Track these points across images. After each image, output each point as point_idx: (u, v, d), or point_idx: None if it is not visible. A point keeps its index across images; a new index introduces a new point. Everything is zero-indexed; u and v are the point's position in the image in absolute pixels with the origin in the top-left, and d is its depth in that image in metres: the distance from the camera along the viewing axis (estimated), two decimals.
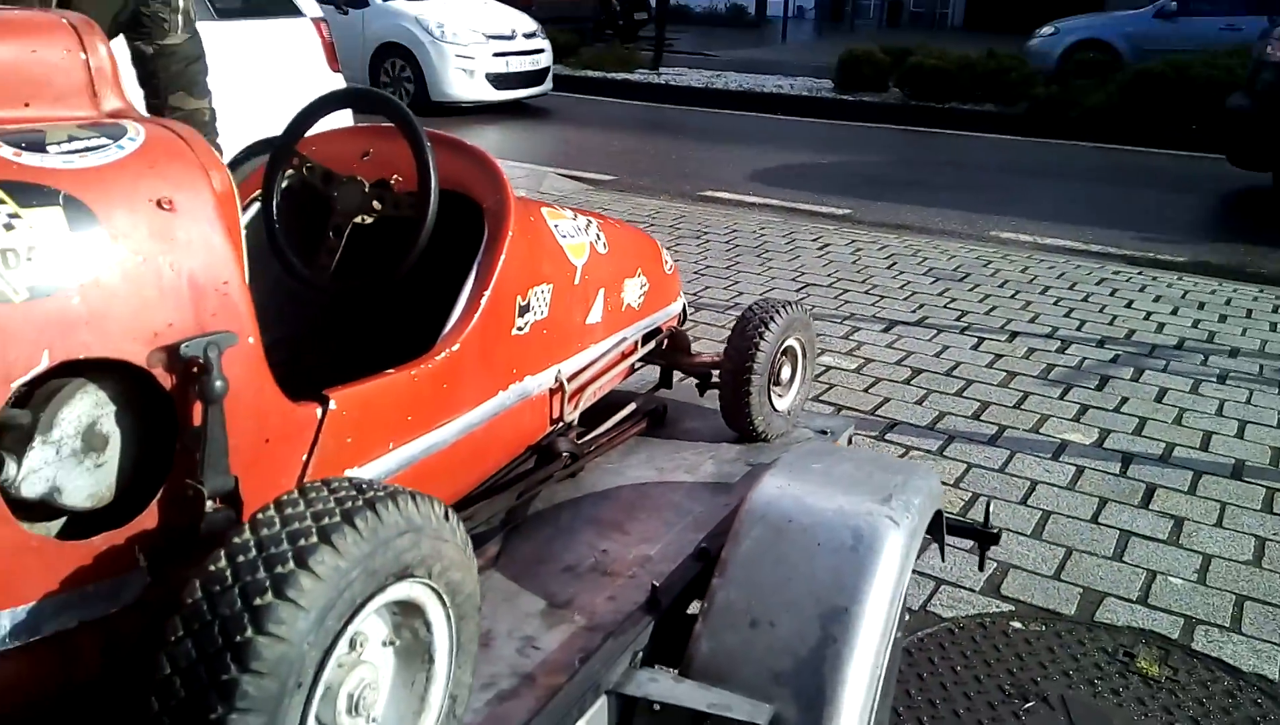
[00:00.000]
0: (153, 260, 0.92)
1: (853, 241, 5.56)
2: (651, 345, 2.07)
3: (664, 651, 1.38)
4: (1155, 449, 3.14)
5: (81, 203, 0.88)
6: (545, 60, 10.56)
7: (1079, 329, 4.24)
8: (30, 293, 0.83)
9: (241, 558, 0.81)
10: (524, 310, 1.55)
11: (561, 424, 1.72)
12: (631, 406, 2.03)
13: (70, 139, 0.92)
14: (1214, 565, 2.52)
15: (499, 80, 9.99)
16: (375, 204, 1.49)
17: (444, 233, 1.45)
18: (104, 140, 0.93)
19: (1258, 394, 3.59)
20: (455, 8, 10.28)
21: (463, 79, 9.77)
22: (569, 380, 1.70)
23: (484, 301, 1.43)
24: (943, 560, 1.92)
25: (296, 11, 4.74)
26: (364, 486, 0.90)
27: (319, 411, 1.12)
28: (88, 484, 0.93)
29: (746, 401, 1.96)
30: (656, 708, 1.25)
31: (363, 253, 1.53)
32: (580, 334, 1.76)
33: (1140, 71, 9.39)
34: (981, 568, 1.99)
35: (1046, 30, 12.46)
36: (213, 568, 0.81)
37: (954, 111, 10.23)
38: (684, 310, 2.33)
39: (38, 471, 0.88)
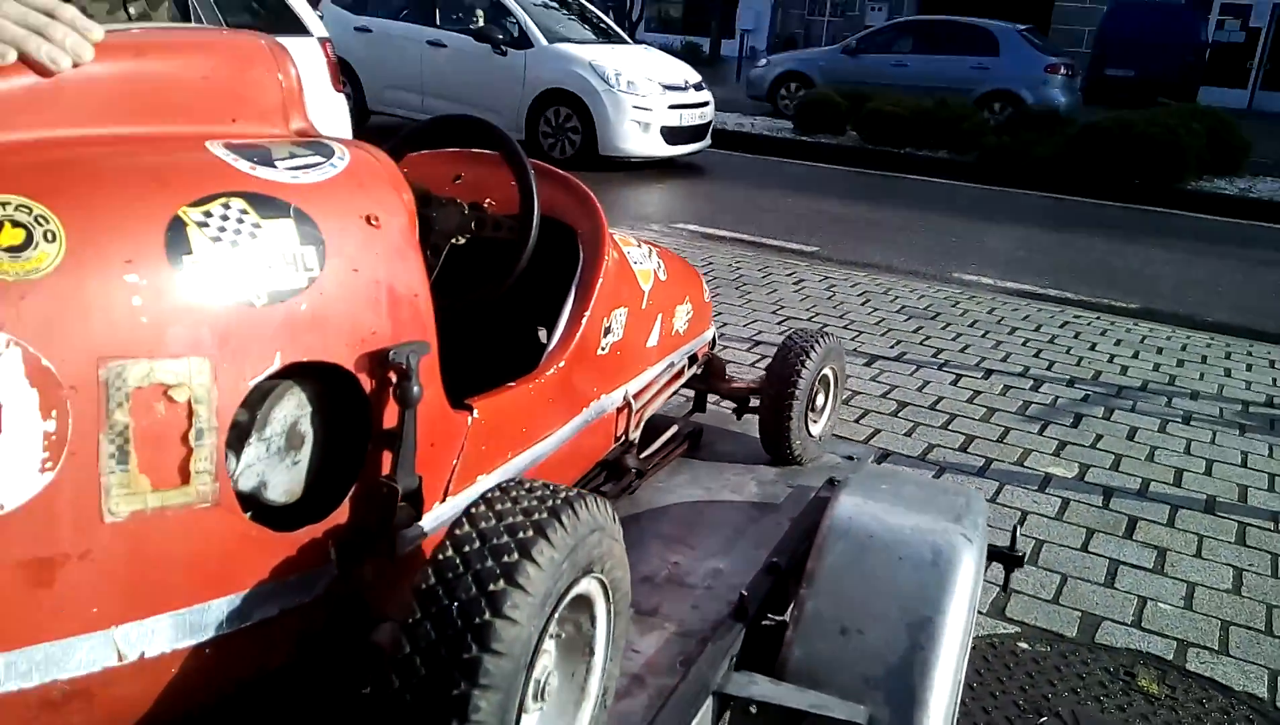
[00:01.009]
0: (363, 272, 0.99)
1: (825, 277, 5.73)
2: (695, 369, 2.16)
3: (748, 660, 1.46)
4: (1133, 484, 3.32)
5: (308, 216, 0.94)
6: (710, 113, 9.71)
7: (1049, 369, 4.44)
8: (269, 298, 0.89)
9: (468, 548, 0.88)
10: (607, 331, 1.63)
11: (625, 441, 1.80)
12: (675, 428, 2.12)
13: (291, 155, 0.98)
14: (1198, 593, 2.68)
15: (671, 134, 9.15)
16: (473, 225, 1.56)
17: (536, 256, 1.53)
18: (318, 158, 1.00)
19: (1220, 435, 3.81)
20: (626, 55, 9.49)
21: (637, 132, 8.88)
22: (634, 399, 1.78)
23: (584, 322, 1.50)
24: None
25: (304, 31, 4.77)
26: (554, 488, 0.97)
27: (469, 419, 1.18)
28: (285, 480, 0.99)
29: (787, 426, 2.05)
30: (753, 709, 1.32)
31: (454, 272, 1.60)
32: (644, 356, 1.84)
33: (1087, 126, 9.82)
34: (1005, 590, 2.11)
35: (761, 62, 15.01)
36: (442, 556, 0.88)
37: (910, 156, 10.57)
38: (714, 338, 2.42)
39: (251, 467, 0.94)
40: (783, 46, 24.06)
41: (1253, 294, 6.29)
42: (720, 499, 1.93)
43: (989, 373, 4.32)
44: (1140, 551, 2.87)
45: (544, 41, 9.17)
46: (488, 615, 0.83)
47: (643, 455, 1.94)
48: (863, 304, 5.25)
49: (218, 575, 0.90)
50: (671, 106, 9.09)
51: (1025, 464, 3.41)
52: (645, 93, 8.90)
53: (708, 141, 9.72)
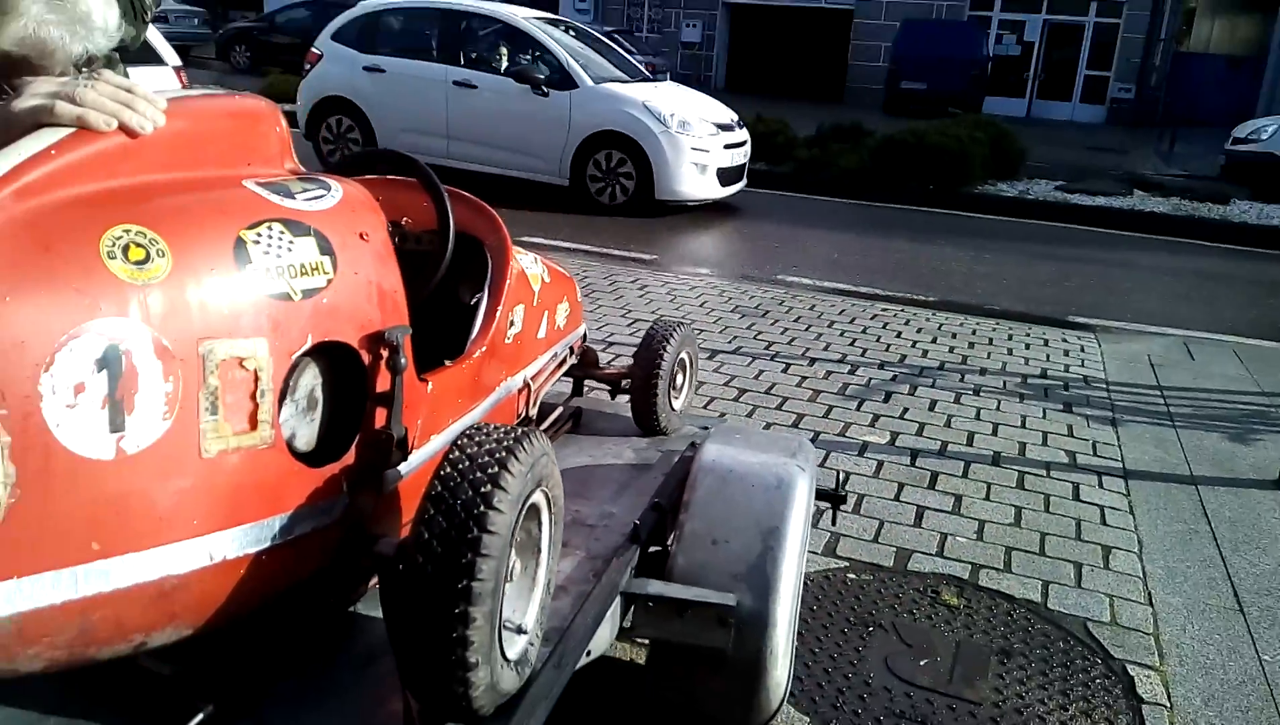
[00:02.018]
0: (361, 274, 1.32)
1: (665, 283, 6.22)
2: (573, 359, 2.54)
3: (641, 575, 1.85)
4: (934, 446, 3.92)
5: (323, 235, 1.27)
6: (749, 151, 9.38)
7: (863, 355, 5.05)
8: (303, 295, 1.22)
9: (461, 465, 1.22)
10: (511, 324, 1.99)
11: (525, 417, 2.16)
12: (560, 409, 2.50)
13: (303, 190, 1.31)
14: (987, 528, 3.26)
15: (725, 175, 8.78)
16: (396, 239, 1.89)
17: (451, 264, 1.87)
18: (321, 190, 1.33)
19: (1004, 403, 4.49)
20: (671, 94, 9.10)
21: (695, 175, 8.45)
22: (531, 381, 2.15)
23: (498, 314, 1.86)
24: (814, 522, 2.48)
25: (159, 60, 4.84)
26: (514, 427, 1.33)
27: (428, 388, 1.52)
28: (306, 433, 1.31)
29: (654, 403, 2.46)
30: (650, 604, 1.72)
31: None
32: (537, 346, 2.21)
33: (886, 138, 10.77)
34: (834, 523, 2.58)
35: None
36: (443, 472, 1.22)
37: None
38: (585, 333, 2.81)
39: (286, 422, 1.26)
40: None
41: (1031, 283, 7.20)
42: (604, 463, 2.31)
43: (813, 361, 4.88)
44: (941, 498, 3.44)
45: (589, 81, 8.63)
46: (481, 508, 1.18)
47: (541, 429, 2.31)
48: (701, 305, 5.75)
49: (272, 499, 1.22)
50: (726, 146, 8.77)
51: (846, 434, 3.96)
52: (700, 133, 8.53)
53: (745, 181, 9.35)
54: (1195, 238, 9.43)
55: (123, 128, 1.12)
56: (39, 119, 1.09)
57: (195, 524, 1.12)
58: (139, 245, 1.06)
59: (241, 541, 1.18)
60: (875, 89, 20.69)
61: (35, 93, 1.12)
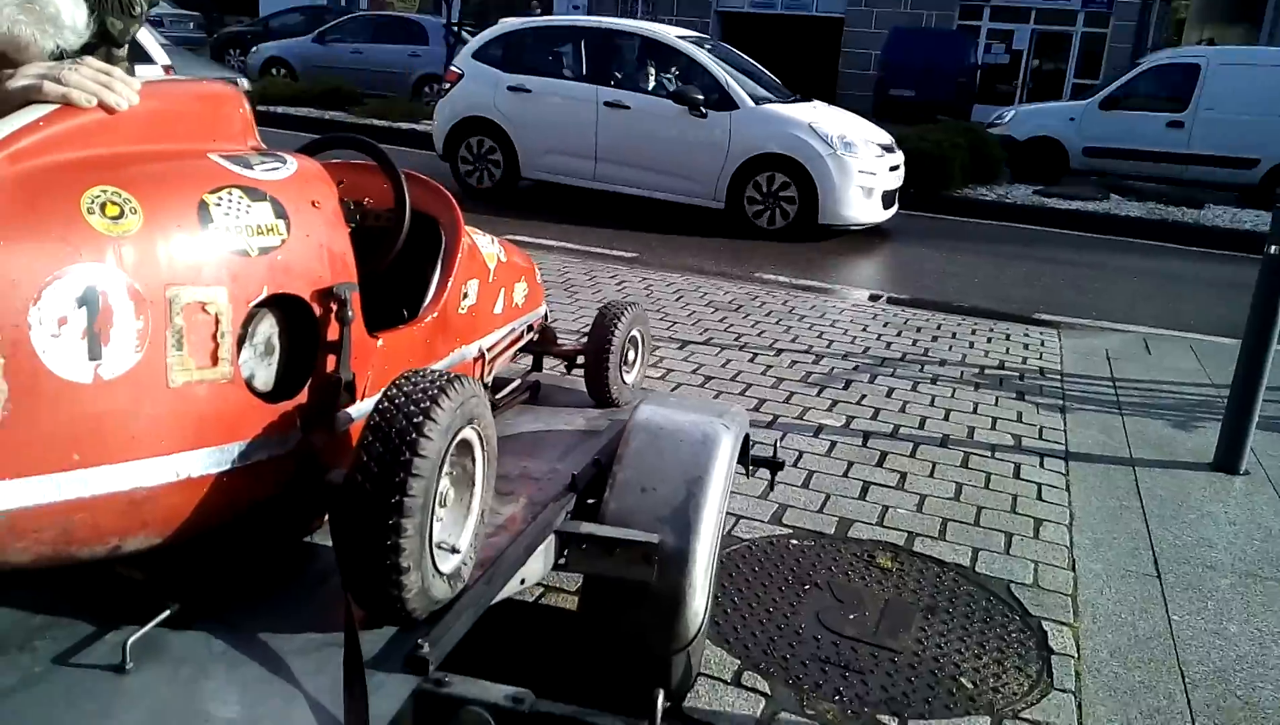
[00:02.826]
0: (312, 237, 1.52)
1: (644, 279, 6.42)
2: (531, 335, 2.74)
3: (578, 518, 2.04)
4: (886, 428, 4.12)
5: (278, 201, 1.47)
6: (903, 174, 9.05)
7: (829, 347, 5.25)
8: (258, 251, 1.42)
9: (398, 399, 1.42)
10: (465, 296, 2.18)
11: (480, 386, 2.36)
12: (518, 381, 2.69)
13: (261, 162, 1.50)
14: (927, 502, 3.45)
15: (886, 198, 8.57)
16: (358, 217, 2.08)
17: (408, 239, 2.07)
18: (277, 163, 1.53)
19: (959, 391, 4.69)
20: (834, 116, 8.85)
21: (861, 198, 8.23)
22: (487, 352, 2.34)
23: (449, 286, 2.06)
24: (748, 477, 2.68)
25: (148, 59, 5.03)
26: (443, 373, 1.52)
27: (378, 344, 1.72)
28: (264, 376, 1.51)
29: (606, 376, 2.66)
30: (584, 546, 1.91)
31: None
32: (492, 320, 2.40)
33: None
34: (772, 488, 2.78)
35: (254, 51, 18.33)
36: (382, 405, 1.41)
37: None
38: (546, 313, 3.01)
39: (245, 363, 1.46)
40: None
41: (1002, 283, 7.42)
42: (556, 429, 2.51)
43: (780, 352, 5.09)
44: (887, 475, 3.64)
45: (750, 102, 8.39)
46: (413, 435, 1.38)
47: (498, 397, 2.50)
48: (677, 300, 5.95)
49: (231, 428, 1.41)
50: (890, 169, 8.60)
51: (804, 418, 4.16)
52: (865, 155, 8.30)
53: (897, 205, 9.01)
54: (1168, 241, 9.65)
55: (102, 105, 1.32)
56: (29, 96, 1.29)
57: (163, 444, 1.32)
58: (115, 203, 1.26)
59: (204, 462, 1.37)
60: (865, 96, 20.87)
61: (25, 74, 1.32)
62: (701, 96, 8.41)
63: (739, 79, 8.72)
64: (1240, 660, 2.63)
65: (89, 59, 1.36)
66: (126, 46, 2.50)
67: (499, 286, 2.44)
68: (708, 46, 9.31)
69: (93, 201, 1.24)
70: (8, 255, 1.14)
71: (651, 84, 8.96)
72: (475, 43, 9.55)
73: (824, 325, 5.66)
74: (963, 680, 2.43)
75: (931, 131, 11.26)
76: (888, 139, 8.93)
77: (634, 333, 2.81)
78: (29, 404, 1.17)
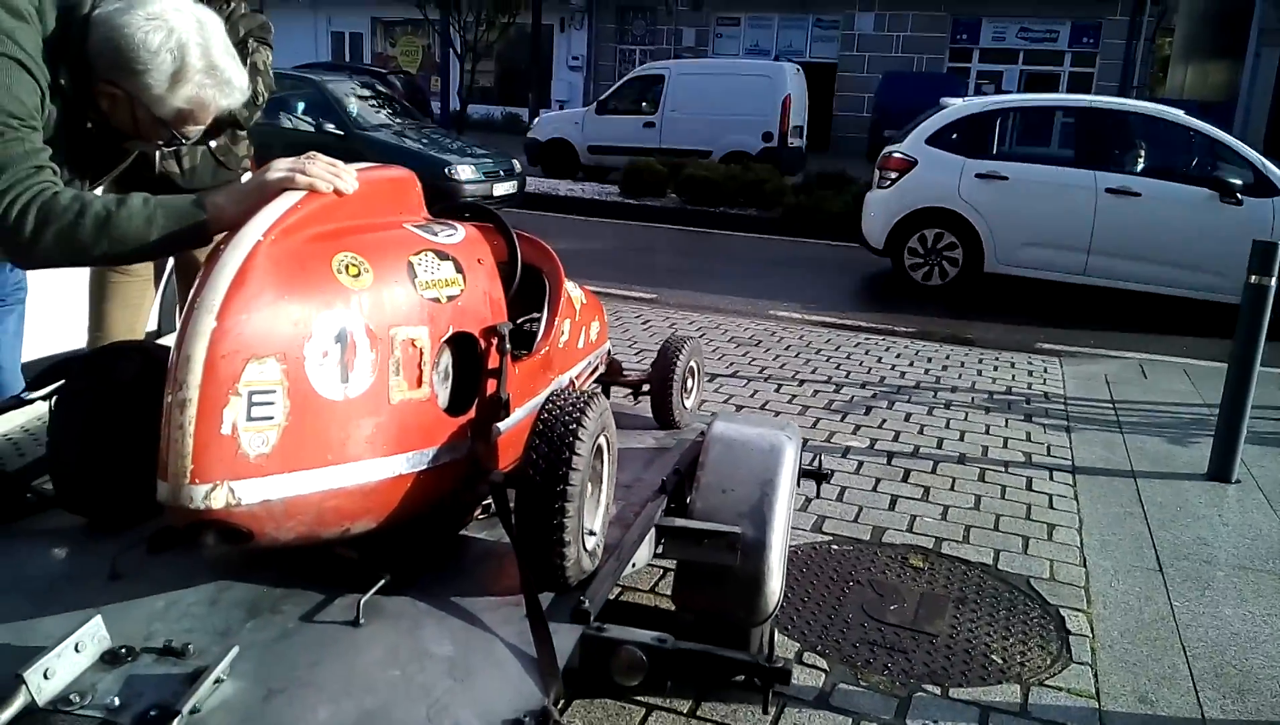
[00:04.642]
0: (479, 287, 1.92)
1: (667, 317, 6.84)
2: (601, 368, 3.14)
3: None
4: (908, 449, 4.50)
5: (457, 260, 1.88)
6: None
7: (846, 377, 5.65)
8: (446, 299, 1.83)
9: (555, 411, 1.81)
10: (561, 333, 2.59)
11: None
12: None
13: (440, 230, 1.91)
14: (950, 511, 3.83)
15: None
16: None
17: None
18: (451, 230, 1.94)
19: (971, 414, 5.09)
20: None
21: None
22: (575, 381, 2.74)
23: (555, 324, 2.46)
24: (798, 485, 3.05)
25: None
26: (584, 391, 1.92)
27: (516, 370, 2.12)
28: (443, 395, 1.90)
29: (669, 401, 3.06)
30: (678, 538, 2.29)
31: None
32: (577, 353, 2.80)
33: (868, 184, 11.46)
34: (819, 494, 3.15)
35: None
36: (543, 416, 1.80)
37: (724, 214, 11.98)
38: (609, 349, 3.41)
39: (436, 386, 1.85)
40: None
41: (1003, 315, 7.83)
42: (632, 446, 2.90)
43: (802, 382, 5.48)
44: (912, 489, 4.02)
45: None
46: (571, 438, 1.77)
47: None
48: (700, 336, 6.36)
49: (427, 436, 1.80)
50: None
51: (831, 441, 4.54)
52: None
53: None
54: None
55: (336, 190, 1.73)
56: (284, 186, 1.70)
57: (384, 448, 1.71)
58: (354, 265, 1.66)
59: (411, 463, 1.76)
60: (859, 138, 21.54)
61: (277, 168, 1.73)
62: (1239, 181, 7.63)
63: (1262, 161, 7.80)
64: (1234, 637, 3.00)
65: (318, 155, 1.77)
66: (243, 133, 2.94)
67: (582, 324, 2.84)
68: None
69: (340, 264, 1.64)
70: (291, 305, 1.54)
71: (1145, 165, 8.13)
72: (926, 127, 8.64)
73: (839, 357, 6.06)
74: (993, 656, 2.80)
75: None
76: None
77: (692, 363, 3.21)
78: (301, 416, 1.56)
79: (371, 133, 10.98)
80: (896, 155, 8.68)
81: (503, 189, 10.98)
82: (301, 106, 10.99)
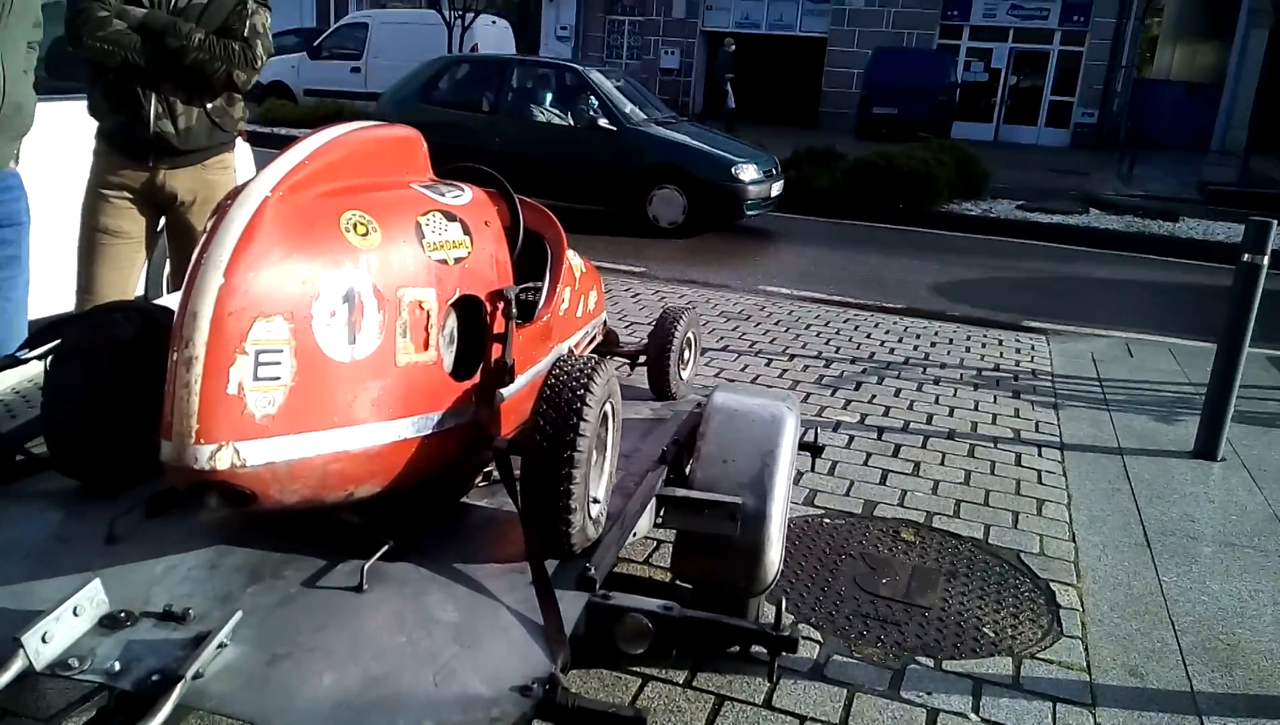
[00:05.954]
0: (486, 249, 1.90)
1: (657, 291, 6.82)
2: (598, 337, 3.12)
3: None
4: (898, 424, 4.52)
5: (464, 221, 1.85)
6: None
7: (836, 352, 5.66)
8: (453, 261, 1.80)
9: (562, 377, 1.79)
10: (561, 301, 2.56)
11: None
12: None
13: (447, 191, 1.88)
14: (940, 486, 3.85)
15: None
16: None
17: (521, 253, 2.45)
18: (459, 191, 1.91)
19: (959, 390, 5.10)
20: None
21: None
22: (573, 349, 2.72)
23: (556, 291, 2.44)
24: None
25: None
26: (591, 357, 1.90)
27: (520, 335, 2.10)
28: (448, 359, 1.88)
29: (666, 371, 3.05)
30: (679, 507, 2.29)
31: None
32: (575, 322, 2.78)
33: (858, 161, 11.45)
34: (813, 468, 3.16)
35: None
36: (550, 382, 1.78)
37: None
38: (605, 319, 3.39)
39: (442, 350, 1.83)
40: None
41: (990, 293, 7.86)
42: (629, 417, 2.88)
43: (792, 357, 5.48)
44: (903, 464, 4.04)
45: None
46: (578, 404, 1.75)
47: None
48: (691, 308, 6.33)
49: (432, 400, 1.78)
50: None
51: (822, 416, 4.55)
52: None
53: None
54: (1145, 252, 10.15)
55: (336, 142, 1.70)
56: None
57: (390, 411, 1.69)
58: (362, 224, 1.64)
59: (416, 427, 1.75)
60: (848, 114, 21.46)
61: None
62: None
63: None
64: (1221, 611, 3.03)
65: None
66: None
67: (580, 293, 2.82)
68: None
69: (348, 222, 1.62)
70: (300, 262, 1.52)
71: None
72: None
73: (829, 333, 6.07)
74: (985, 629, 2.82)
75: (919, 149, 11.74)
76: None
77: (689, 334, 3.19)
78: (308, 377, 1.54)
79: (643, 128, 9.74)
80: None
81: (778, 188, 9.99)
82: (549, 98, 10.19)
